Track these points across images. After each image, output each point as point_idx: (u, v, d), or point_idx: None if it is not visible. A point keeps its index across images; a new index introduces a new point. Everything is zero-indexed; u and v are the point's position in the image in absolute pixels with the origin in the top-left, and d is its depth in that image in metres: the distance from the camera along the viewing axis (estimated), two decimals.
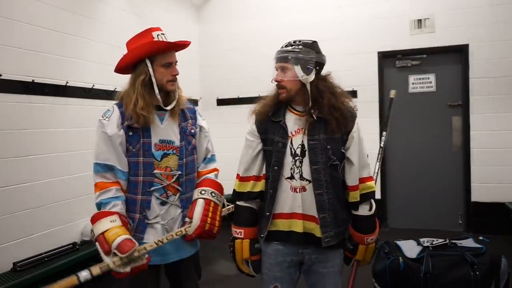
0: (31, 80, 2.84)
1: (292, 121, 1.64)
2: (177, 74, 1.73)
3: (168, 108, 1.73)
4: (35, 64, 2.89)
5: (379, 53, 4.69)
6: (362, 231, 1.68)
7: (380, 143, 2.55)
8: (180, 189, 1.74)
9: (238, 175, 1.72)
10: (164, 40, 1.68)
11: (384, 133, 2.53)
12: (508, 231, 4.13)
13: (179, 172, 1.73)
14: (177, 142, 1.75)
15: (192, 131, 1.81)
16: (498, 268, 2.06)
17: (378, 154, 2.47)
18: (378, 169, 2.38)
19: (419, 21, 4.54)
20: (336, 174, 1.61)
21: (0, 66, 2.64)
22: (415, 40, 4.56)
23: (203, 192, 1.75)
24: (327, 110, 1.59)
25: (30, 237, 2.84)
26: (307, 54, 1.59)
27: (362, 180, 1.67)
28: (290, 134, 1.62)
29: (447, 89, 4.56)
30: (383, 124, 4.70)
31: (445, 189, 4.59)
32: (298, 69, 1.58)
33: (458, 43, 4.41)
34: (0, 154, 2.66)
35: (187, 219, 1.71)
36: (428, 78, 4.61)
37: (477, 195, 4.42)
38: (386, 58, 4.71)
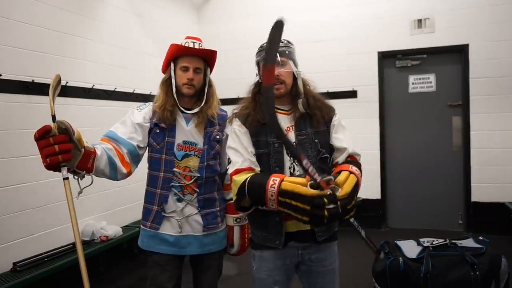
0: (31, 80, 2.85)
1: (280, 120, 1.60)
2: (192, 79, 1.78)
3: (191, 112, 1.81)
4: (35, 64, 2.90)
5: (379, 53, 4.69)
6: (349, 162, 1.55)
7: None
8: (197, 190, 1.79)
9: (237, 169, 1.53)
10: (191, 46, 1.78)
11: None
12: (508, 231, 4.14)
13: (198, 175, 1.78)
14: (200, 145, 1.81)
15: (217, 137, 1.85)
16: (498, 268, 2.06)
17: None
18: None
19: (419, 21, 4.54)
20: (325, 166, 1.61)
21: (0, 66, 2.65)
22: (415, 40, 4.56)
23: (238, 220, 1.89)
24: (312, 101, 1.63)
25: (30, 237, 2.85)
26: (294, 50, 1.64)
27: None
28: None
29: (447, 89, 4.56)
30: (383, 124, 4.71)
31: (445, 189, 4.59)
32: (292, 64, 1.61)
33: (458, 43, 4.42)
34: (0, 154, 2.66)
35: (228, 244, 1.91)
36: (428, 78, 4.61)
37: (477, 195, 4.42)
38: (386, 58, 4.71)
